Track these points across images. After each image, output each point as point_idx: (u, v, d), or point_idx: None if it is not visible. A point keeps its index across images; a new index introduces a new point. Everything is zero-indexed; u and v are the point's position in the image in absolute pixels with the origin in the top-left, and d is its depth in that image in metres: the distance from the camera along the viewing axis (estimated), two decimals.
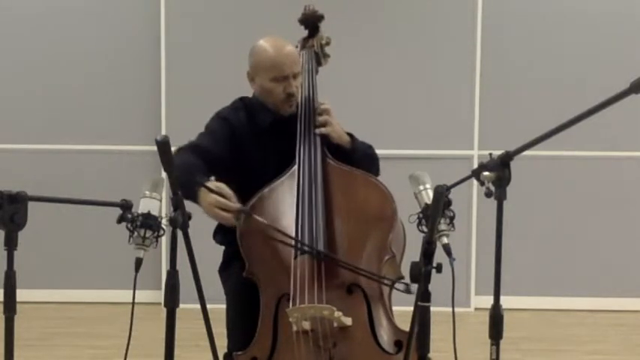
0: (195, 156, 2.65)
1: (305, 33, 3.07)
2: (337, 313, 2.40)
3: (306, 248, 2.52)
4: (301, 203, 2.61)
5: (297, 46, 2.96)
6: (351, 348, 2.43)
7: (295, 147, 2.74)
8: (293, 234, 2.57)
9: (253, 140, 2.80)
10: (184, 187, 2.45)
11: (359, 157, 2.83)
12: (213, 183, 2.51)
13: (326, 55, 3.07)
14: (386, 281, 2.54)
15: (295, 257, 2.53)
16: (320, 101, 2.87)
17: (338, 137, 2.80)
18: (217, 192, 2.45)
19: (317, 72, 2.99)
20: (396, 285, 2.48)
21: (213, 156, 2.70)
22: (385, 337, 2.47)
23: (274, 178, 2.70)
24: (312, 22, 3.05)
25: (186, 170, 2.50)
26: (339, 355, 2.40)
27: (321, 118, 2.79)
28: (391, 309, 2.58)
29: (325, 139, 2.77)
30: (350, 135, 2.86)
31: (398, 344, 2.45)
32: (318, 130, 2.76)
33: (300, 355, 2.41)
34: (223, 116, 2.83)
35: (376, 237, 2.60)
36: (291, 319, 2.42)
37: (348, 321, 2.43)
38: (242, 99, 2.91)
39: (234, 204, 2.47)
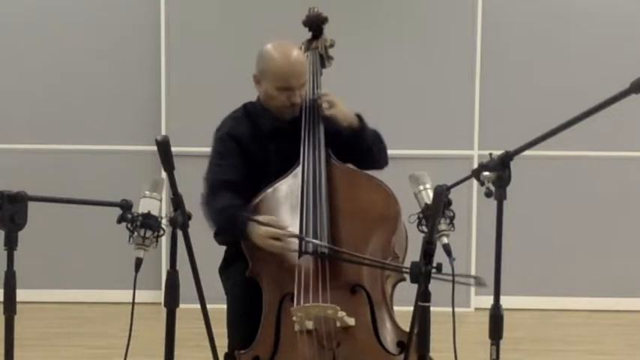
0: (228, 192, 2.67)
1: (307, 35, 3.07)
2: (341, 313, 2.41)
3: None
4: (305, 203, 2.62)
5: (301, 48, 2.95)
6: (354, 348, 2.44)
7: (298, 149, 2.74)
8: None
9: (256, 145, 2.81)
10: (233, 228, 2.52)
11: (368, 137, 2.82)
12: (262, 217, 2.53)
13: (330, 58, 3.07)
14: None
15: (300, 256, 2.54)
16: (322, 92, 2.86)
17: (345, 118, 2.78)
18: (267, 224, 2.48)
19: (321, 74, 2.98)
20: (467, 280, 2.27)
21: (240, 182, 2.71)
22: (388, 337, 2.47)
23: (277, 178, 2.71)
24: (316, 24, 3.05)
25: (226, 212, 2.57)
26: (342, 355, 2.40)
27: (324, 99, 2.78)
28: (393, 309, 2.59)
29: (329, 144, 2.77)
30: (358, 116, 2.84)
31: (401, 345, 2.45)
32: (324, 107, 2.76)
33: (304, 354, 2.41)
34: (226, 133, 2.81)
35: (379, 237, 2.60)
36: (294, 319, 2.42)
37: (351, 321, 2.43)
38: (245, 106, 2.90)
39: (286, 231, 2.50)
